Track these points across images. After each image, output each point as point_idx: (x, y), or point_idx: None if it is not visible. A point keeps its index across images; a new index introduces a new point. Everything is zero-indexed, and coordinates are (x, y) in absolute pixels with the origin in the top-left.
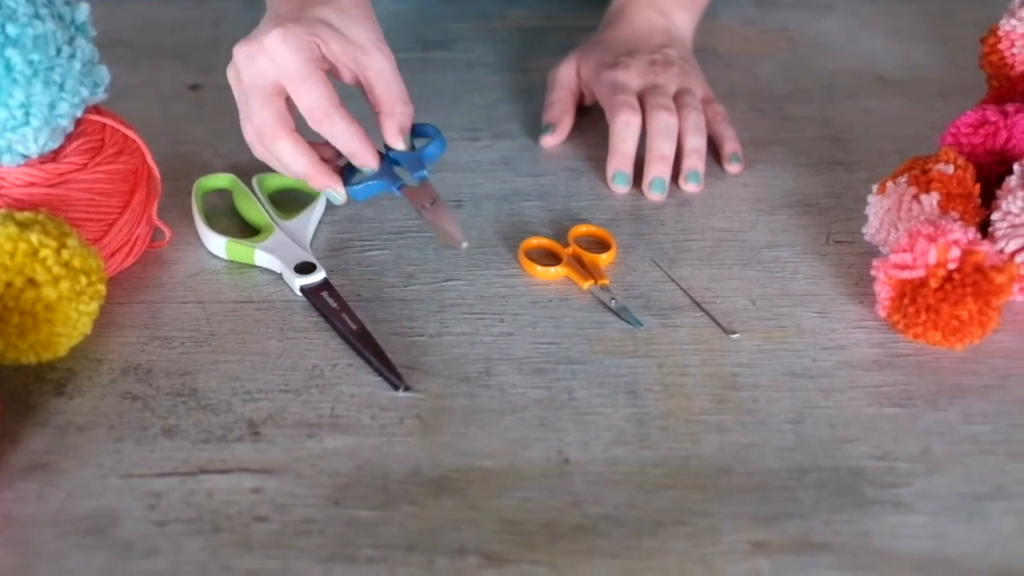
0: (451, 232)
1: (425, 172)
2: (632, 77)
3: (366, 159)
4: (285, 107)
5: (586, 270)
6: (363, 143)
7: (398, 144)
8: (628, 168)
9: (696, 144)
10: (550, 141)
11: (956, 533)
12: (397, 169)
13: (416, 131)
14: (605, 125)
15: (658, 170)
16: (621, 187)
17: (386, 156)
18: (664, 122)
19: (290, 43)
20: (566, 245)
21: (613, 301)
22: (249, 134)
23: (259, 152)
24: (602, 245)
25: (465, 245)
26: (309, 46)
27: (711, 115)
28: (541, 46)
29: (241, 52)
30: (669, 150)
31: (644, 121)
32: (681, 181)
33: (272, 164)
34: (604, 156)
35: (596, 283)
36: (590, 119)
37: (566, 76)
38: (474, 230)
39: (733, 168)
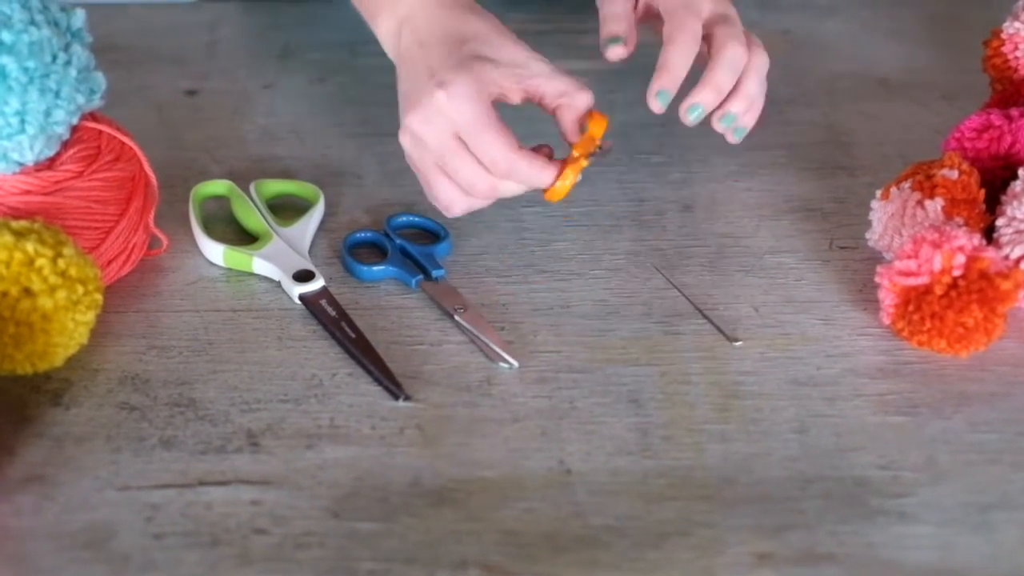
0: (499, 355)
1: (443, 271)
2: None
3: (549, 179)
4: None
5: (582, 153)
6: (547, 169)
7: (575, 138)
8: (674, 90)
9: (754, 90)
10: (619, 53)
11: (962, 544)
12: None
13: (422, 227)
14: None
15: (707, 98)
16: (661, 106)
17: (401, 246)
18: (737, 55)
19: (459, 97)
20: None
21: (598, 149)
22: (448, 194)
23: (467, 205)
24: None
25: (516, 365)
26: (477, 93)
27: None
28: (541, 51)
29: (416, 120)
30: (728, 85)
31: (709, 49)
32: (717, 120)
33: (490, 200)
34: (603, 161)
35: (595, 150)
36: None
37: None
38: (473, 237)
39: (721, 128)
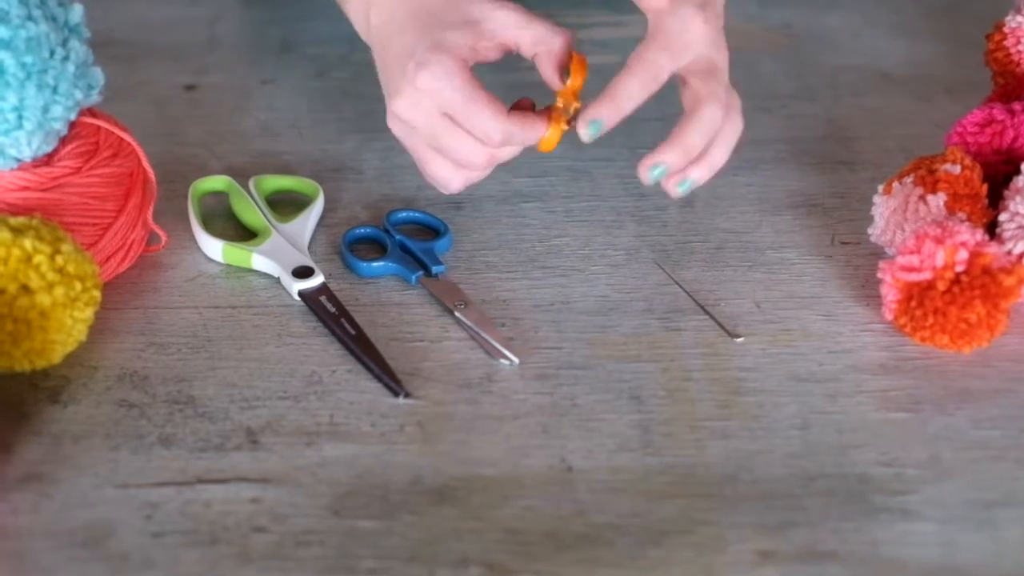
0: (500, 351)
1: (444, 267)
2: (699, 38)
3: (541, 134)
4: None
5: (564, 108)
6: (539, 125)
7: (559, 84)
8: (609, 118)
9: (720, 158)
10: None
11: (965, 541)
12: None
13: (422, 223)
14: None
15: (672, 160)
16: (591, 136)
17: (400, 242)
18: (713, 119)
19: (439, 77)
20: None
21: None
22: (444, 172)
23: (465, 179)
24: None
25: (517, 361)
26: (457, 68)
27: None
28: None
29: (401, 106)
30: (697, 150)
31: (684, 96)
32: (674, 184)
33: (489, 170)
34: (604, 156)
35: (571, 113)
36: None
37: None
38: (473, 232)
39: (674, 193)
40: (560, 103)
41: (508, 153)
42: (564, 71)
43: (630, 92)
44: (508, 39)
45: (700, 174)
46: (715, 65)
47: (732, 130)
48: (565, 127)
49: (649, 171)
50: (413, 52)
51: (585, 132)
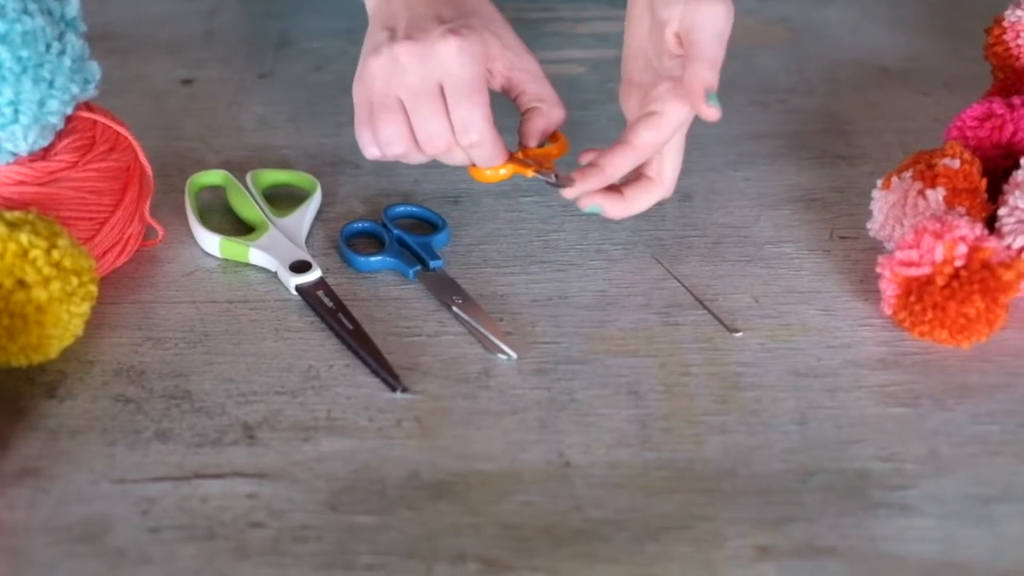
0: (497, 346)
1: (441, 261)
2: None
3: (499, 163)
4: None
5: (533, 161)
6: (502, 155)
7: (533, 143)
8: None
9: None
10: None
11: (964, 537)
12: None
13: (420, 217)
14: (603, 118)
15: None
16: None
17: (398, 237)
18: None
19: (466, 54)
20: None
21: (554, 175)
22: (393, 133)
23: (402, 152)
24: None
25: (515, 356)
26: (483, 57)
27: None
28: (540, 38)
29: (410, 50)
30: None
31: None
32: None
33: (426, 159)
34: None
35: (541, 168)
36: (586, 115)
37: None
38: (471, 227)
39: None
40: (521, 155)
41: (459, 158)
42: (543, 142)
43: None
44: (519, 80)
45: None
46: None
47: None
48: (529, 173)
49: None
50: (442, 19)
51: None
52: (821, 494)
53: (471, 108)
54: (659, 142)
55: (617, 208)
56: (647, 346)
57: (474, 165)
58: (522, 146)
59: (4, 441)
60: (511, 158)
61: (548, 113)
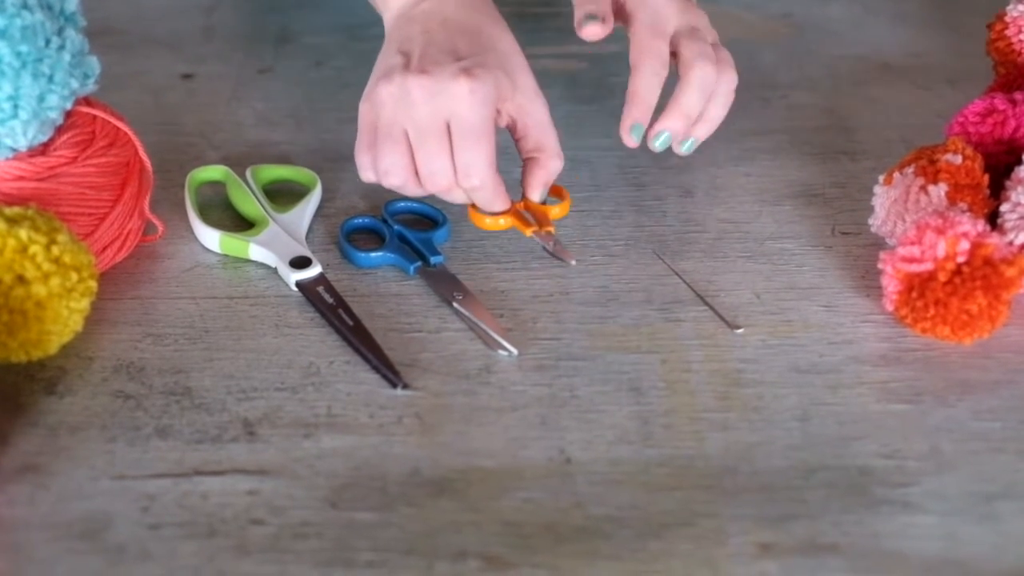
0: (498, 343)
1: (442, 257)
2: (672, 13)
3: (499, 210)
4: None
5: (533, 218)
6: (504, 202)
7: (535, 196)
8: (647, 121)
9: (719, 114)
10: (595, 31)
11: (967, 534)
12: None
13: (420, 213)
14: (603, 113)
15: (675, 126)
16: (635, 141)
17: (398, 232)
18: (706, 77)
19: (477, 97)
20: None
21: (552, 243)
22: (393, 163)
23: (399, 183)
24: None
25: (516, 352)
26: (493, 101)
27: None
28: (540, 33)
29: (422, 84)
30: (697, 110)
31: (677, 65)
32: (679, 144)
33: (424, 194)
34: (603, 146)
35: (540, 230)
36: (587, 110)
37: None
38: (471, 223)
39: (680, 151)
40: (522, 207)
41: (459, 197)
42: (545, 191)
43: (649, 86)
44: (524, 125)
45: (702, 132)
46: (693, 26)
47: (726, 84)
48: (528, 232)
49: (654, 140)
50: (457, 55)
51: (635, 141)
52: (823, 491)
53: (476, 152)
54: (657, 44)
55: (702, 127)
56: (648, 342)
57: (474, 207)
58: (525, 197)
59: (4, 437)
60: (512, 208)
61: (546, 164)
